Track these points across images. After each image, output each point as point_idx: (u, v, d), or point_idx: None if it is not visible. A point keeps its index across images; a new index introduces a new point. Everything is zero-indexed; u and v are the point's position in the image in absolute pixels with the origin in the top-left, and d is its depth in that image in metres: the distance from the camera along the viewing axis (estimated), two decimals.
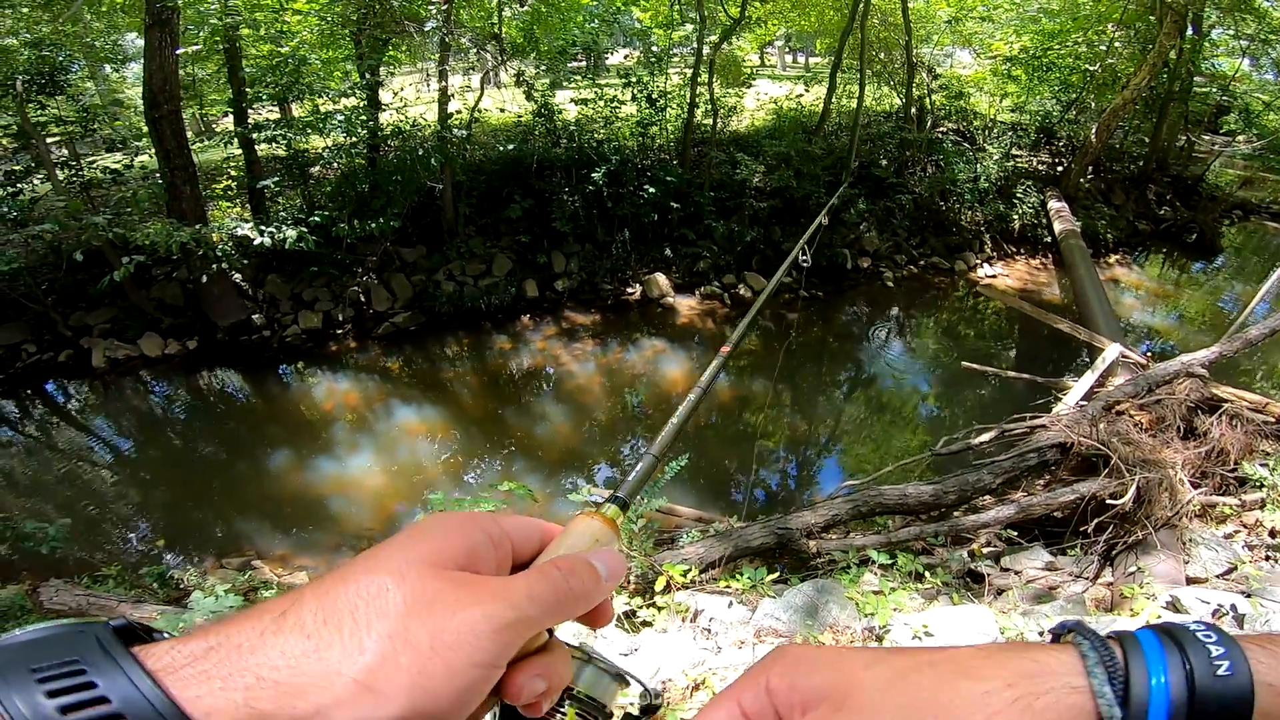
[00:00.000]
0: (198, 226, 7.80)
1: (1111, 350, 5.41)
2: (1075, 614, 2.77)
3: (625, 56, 18.82)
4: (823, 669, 0.38)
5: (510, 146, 10.15)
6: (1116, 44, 11.87)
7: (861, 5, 10.23)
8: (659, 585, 3.48)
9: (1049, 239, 11.34)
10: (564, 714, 0.46)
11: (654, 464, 0.53)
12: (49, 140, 9.38)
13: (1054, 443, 3.67)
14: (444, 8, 8.60)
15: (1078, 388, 5.02)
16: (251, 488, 6.66)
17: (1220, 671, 0.34)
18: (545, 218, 9.90)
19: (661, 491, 4.32)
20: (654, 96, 10.58)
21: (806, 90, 13.17)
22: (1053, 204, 11.31)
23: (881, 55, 12.55)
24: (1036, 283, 10.89)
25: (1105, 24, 11.60)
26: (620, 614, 3.36)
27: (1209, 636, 0.36)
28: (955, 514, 3.80)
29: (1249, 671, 0.34)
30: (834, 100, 11.95)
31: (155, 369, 8.68)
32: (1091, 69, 12.19)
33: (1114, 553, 3.23)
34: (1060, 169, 12.60)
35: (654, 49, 11.55)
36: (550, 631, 0.42)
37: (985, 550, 3.47)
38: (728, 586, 3.53)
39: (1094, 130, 11.51)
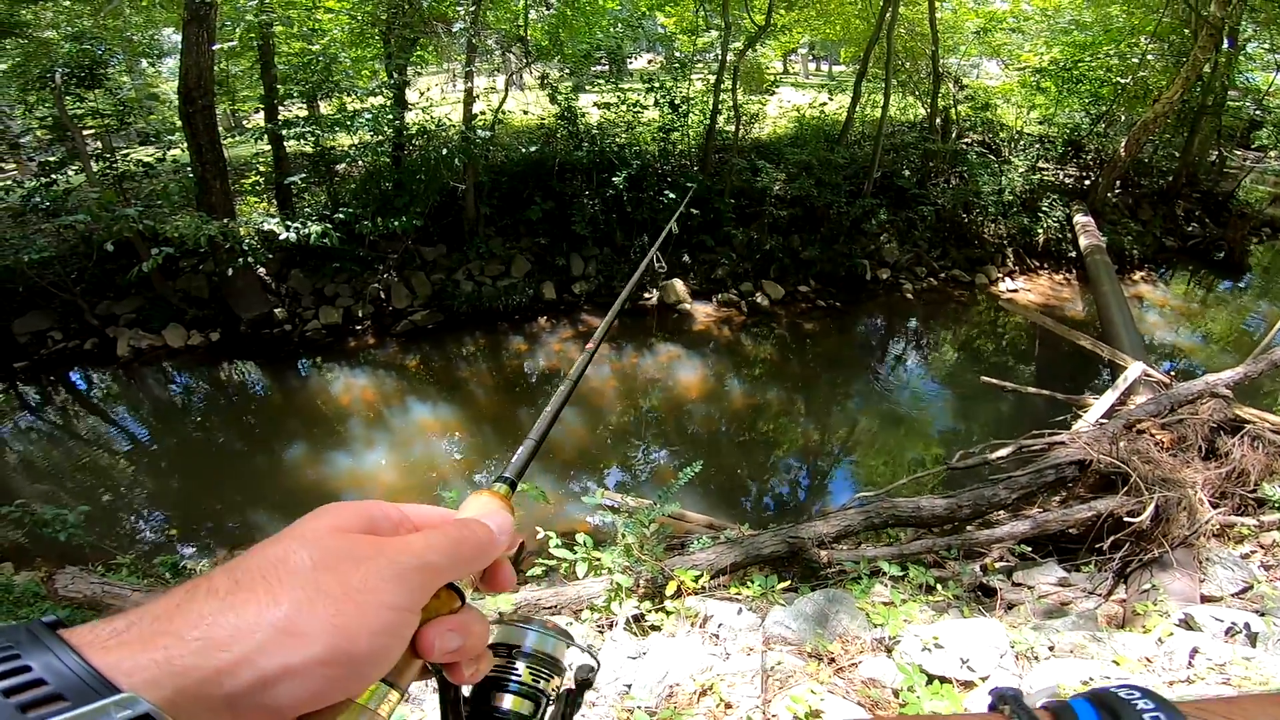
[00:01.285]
0: (225, 220, 7.94)
1: (1134, 369, 5.32)
2: (1088, 629, 2.73)
3: (649, 61, 18.89)
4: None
5: (532, 149, 10.23)
6: (1149, 57, 11.71)
7: (889, 14, 10.19)
8: (669, 590, 3.48)
9: (1073, 254, 11.18)
10: (519, 673, 0.49)
11: (534, 447, 0.59)
12: (85, 133, 9.61)
13: (1073, 459, 3.62)
14: (472, 9, 8.70)
15: (1098, 405, 4.94)
16: (267, 480, 6.74)
17: None
18: (565, 220, 9.95)
19: (674, 497, 4.32)
20: (676, 102, 10.61)
21: (830, 99, 13.13)
22: (1078, 218, 11.16)
23: (907, 65, 12.49)
24: (1059, 298, 10.75)
25: (1138, 36, 11.45)
26: (629, 618, 3.36)
27: (1147, 706, 0.33)
28: (969, 528, 3.76)
29: None
30: (858, 109, 11.90)
31: (178, 359, 8.83)
32: (1123, 81, 12.03)
33: (1128, 570, 3.18)
34: (1087, 183, 12.43)
35: (678, 54, 11.59)
36: (462, 599, 0.43)
37: (998, 565, 3.44)
38: (738, 593, 3.52)
39: (1123, 144, 11.35)
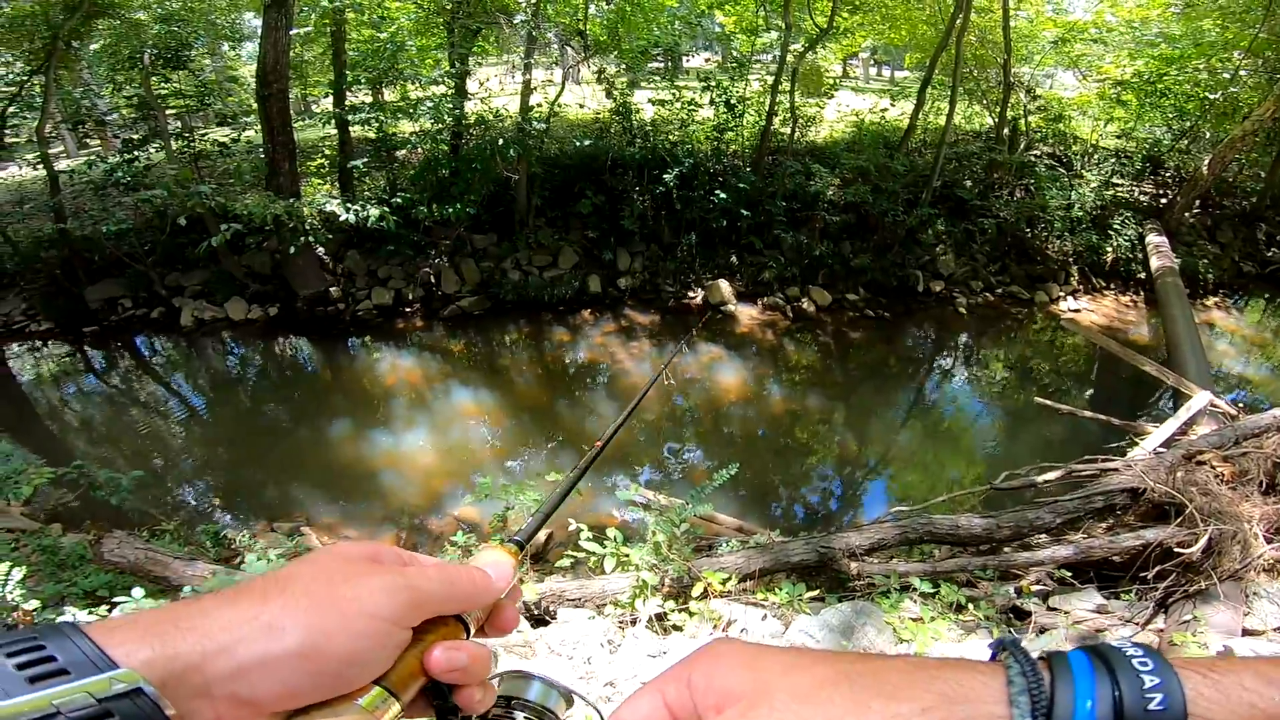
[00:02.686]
0: (291, 200, 8.24)
1: (1200, 398, 5.04)
2: None
3: (706, 60, 18.79)
4: (741, 669, 0.37)
5: (586, 143, 10.30)
6: (1242, 73, 11.06)
7: (959, 21, 9.89)
8: (696, 591, 3.46)
9: (1143, 275, 10.65)
10: None
11: (544, 519, 0.62)
12: (167, 113, 10.11)
13: (1125, 487, 3.45)
14: (533, 2, 8.82)
15: (1158, 433, 4.70)
16: (309, 454, 6.96)
17: (1153, 705, 0.31)
18: (614, 215, 10.00)
19: (707, 498, 4.29)
20: (732, 102, 10.52)
21: (892, 104, 12.82)
22: (1152, 238, 10.62)
23: (975, 73, 12.10)
24: (1124, 321, 10.26)
25: (1231, 51, 10.82)
26: (652, 615, 3.36)
27: (1144, 663, 0.33)
28: (1006, 549, 3.63)
29: (1183, 703, 0.31)
30: (921, 116, 11.58)
31: (237, 331, 9.22)
32: (1211, 97, 11.39)
33: (1171, 600, 3.02)
34: (1164, 201, 11.82)
35: (735, 54, 11.49)
36: (467, 632, 0.47)
37: (1034, 588, 3.31)
38: (764, 599, 3.48)
39: (1207, 162, 10.75)
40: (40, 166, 9.20)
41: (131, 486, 5.03)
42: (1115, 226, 10.96)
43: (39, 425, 7.74)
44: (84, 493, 5.29)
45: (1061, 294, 10.70)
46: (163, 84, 9.88)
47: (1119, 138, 12.70)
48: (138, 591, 2.83)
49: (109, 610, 2.84)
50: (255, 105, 9.00)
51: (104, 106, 11.05)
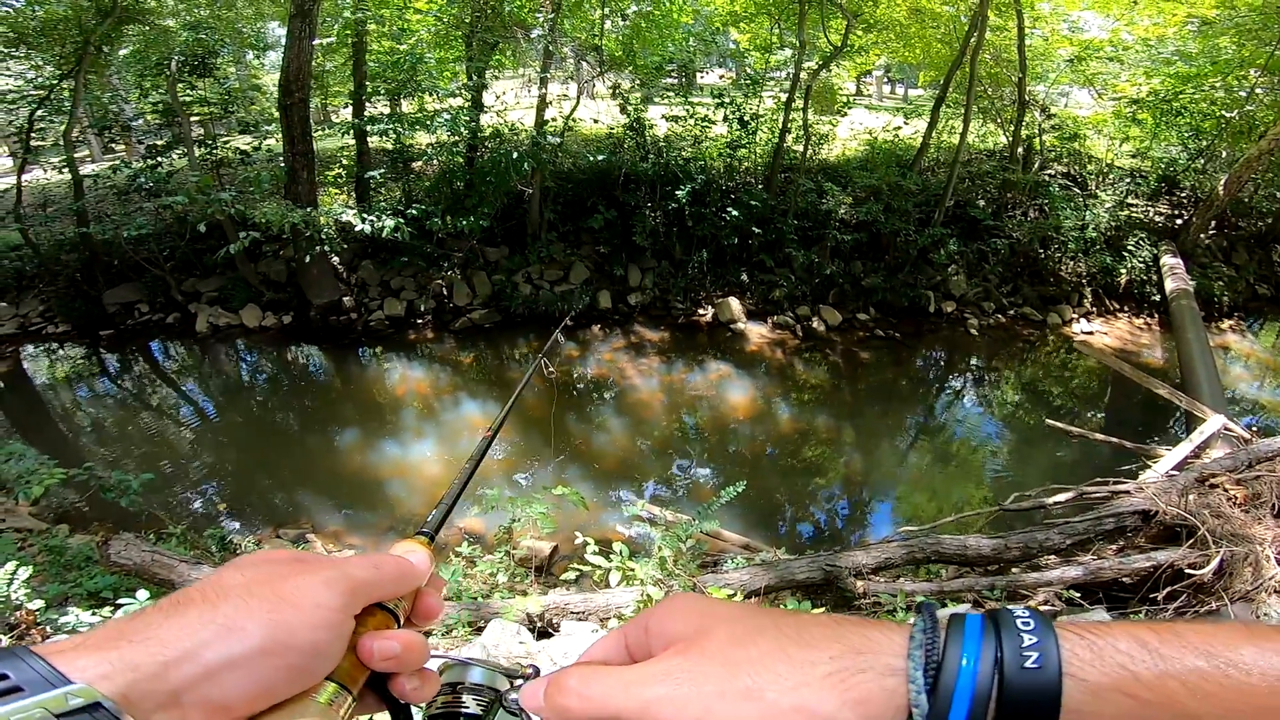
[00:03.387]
0: (308, 209, 8.34)
1: (1213, 421, 4.97)
2: None
3: (720, 76, 18.92)
4: (691, 616, 0.41)
5: (600, 157, 10.38)
6: (1258, 91, 10.99)
7: (974, 39, 9.92)
8: None
9: (1157, 297, 10.55)
10: (466, 705, 0.54)
11: (447, 511, 0.64)
12: (191, 119, 10.31)
13: (1136, 509, 3.40)
14: (550, 17, 8.95)
15: (1170, 456, 4.64)
16: (317, 462, 6.99)
17: (1028, 664, 0.33)
18: (626, 231, 10.05)
19: (713, 515, 4.28)
20: (745, 119, 10.58)
21: (905, 123, 12.84)
22: (1166, 259, 10.53)
23: (990, 91, 12.11)
24: (1138, 343, 10.16)
25: (1248, 69, 10.77)
26: None
27: (1026, 624, 0.36)
28: (1015, 570, 3.59)
29: (1058, 664, 0.34)
30: (934, 135, 11.60)
31: (251, 338, 9.32)
32: (1228, 116, 11.32)
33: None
34: (1179, 222, 11.73)
35: (749, 71, 11.57)
36: (397, 622, 0.48)
37: (1042, 608, 3.26)
38: None
39: (1223, 182, 10.67)
40: (66, 170, 9.38)
41: (140, 489, 5.04)
42: (1130, 248, 10.88)
43: (51, 426, 7.83)
44: (93, 494, 5.31)
45: (1075, 316, 10.62)
46: (188, 91, 10.08)
47: (1134, 157, 12.65)
48: (142, 594, 2.85)
49: (113, 611, 2.86)
50: (277, 114, 9.15)
51: (130, 112, 11.28)
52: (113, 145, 13.06)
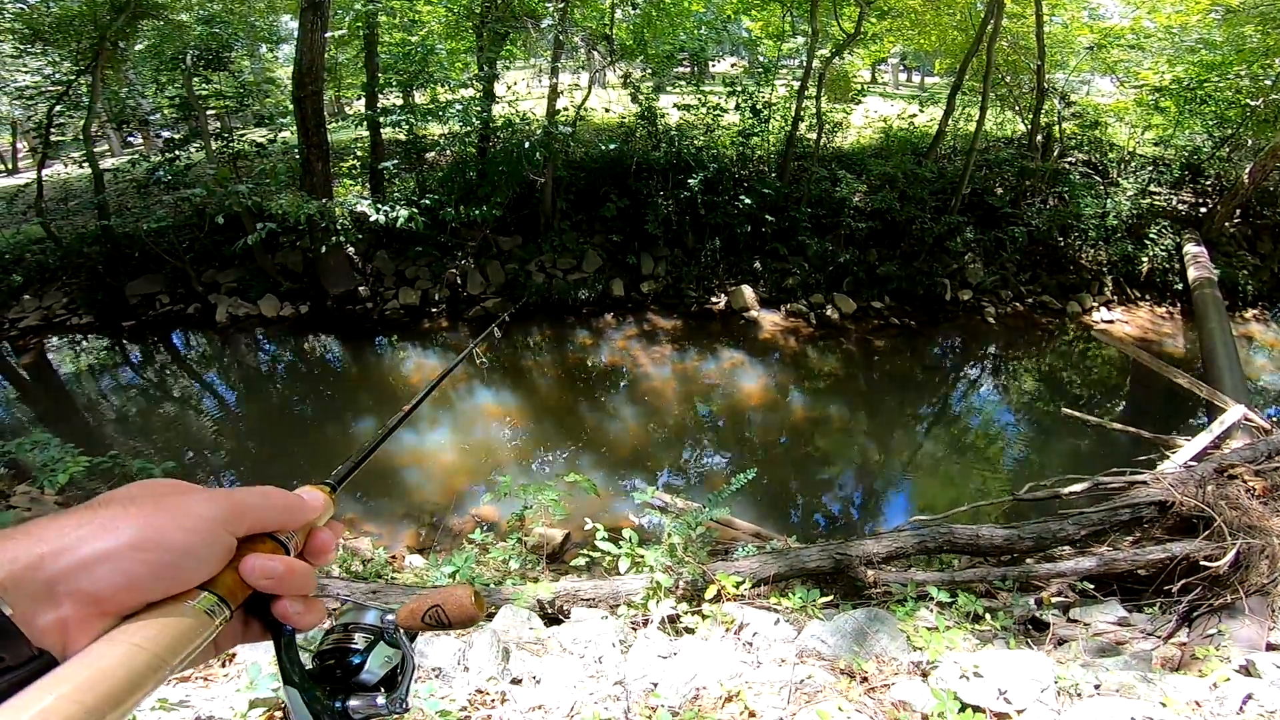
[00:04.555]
0: (324, 201, 8.41)
1: (1234, 411, 4.89)
2: (1140, 670, 2.55)
3: (732, 65, 18.75)
4: None
5: (611, 146, 10.35)
6: None
7: (990, 26, 9.75)
8: (709, 593, 3.46)
9: (1180, 286, 10.37)
10: (356, 641, 0.57)
11: (355, 466, 0.68)
12: (208, 113, 10.41)
13: (1153, 500, 3.36)
14: (560, 6, 8.92)
15: (1189, 447, 4.57)
16: (334, 450, 7.07)
17: None
18: (638, 219, 10.03)
19: (724, 503, 4.29)
20: (758, 107, 10.50)
21: (921, 110, 12.67)
22: (1189, 248, 10.34)
23: (1008, 79, 11.91)
24: (1159, 333, 10.00)
25: (1273, 58, 10.50)
26: (664, 617, 3.36)
27: None
28: (1028, 560, 3.56)
29: None
30: (950, 123, 11.43)
31: (269, 328, 9.43)
32: (1253, 104, 11.06)
33: (1195, 614, 2.94)
34: (1203, 210, 11.50)
35: (762, 59, 11.46)
36: (287, 552, 0.50)
37: (1054, 599, 3.24)
38: (777, 604, 3.46)
39: (1248, 170, 10.44)
40: (86, 164, 9.51)
41: (163, 477, 5.13)
42: (1152, 236, 10.69)
43: (76, 416, 7.99)
44: (117, 482, 5.40)
45: (1094, 304, 10.47)
46: (204, 85, 10.17)
47: (1157, 145, 12.40)
48: None
49: None
50: (291, 106, 9.22)
51: (147, 106, 11.40)
52: (131, 139, 13.24)
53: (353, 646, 0.57)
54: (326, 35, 8.47)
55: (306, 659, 0.54)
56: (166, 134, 10.46)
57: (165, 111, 10.83)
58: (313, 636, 0.56)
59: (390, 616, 0.59)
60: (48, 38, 9.03)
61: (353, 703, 0.54)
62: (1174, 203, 11.64)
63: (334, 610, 0.58)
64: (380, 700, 0.55)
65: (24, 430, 7.01)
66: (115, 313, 9.54)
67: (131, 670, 0.37)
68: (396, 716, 0.56)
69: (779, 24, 11.87)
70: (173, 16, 9.44)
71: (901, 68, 25.25)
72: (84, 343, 9.44)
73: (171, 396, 8.43)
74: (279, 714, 2.26)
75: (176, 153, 9.66)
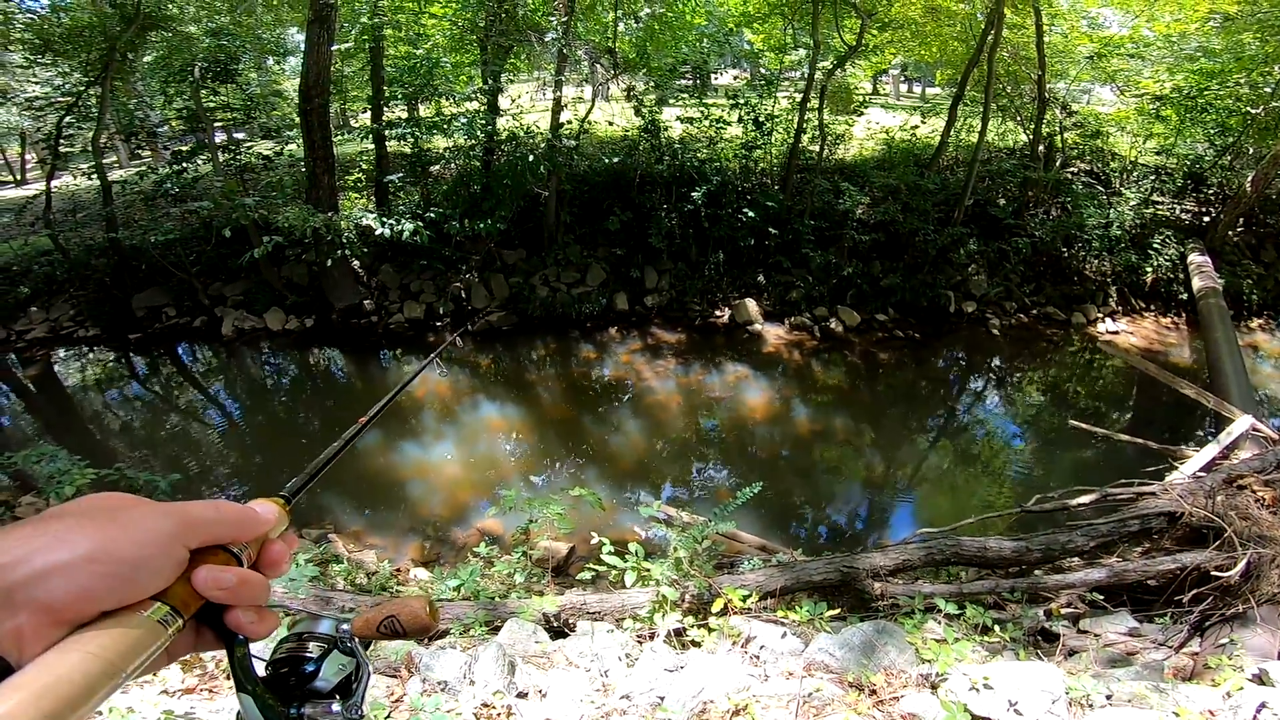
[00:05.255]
0: (330, 214, 8.46)
1: (1241, 422, 4.86)
2: (1152, 680, 2.53)
3: (734, 77, 18.87)
4: None
5: (615, 159, 10.40)
6: None
7: (990, 37, 9.82)
8: (716, 607, 3.44)
9: (1185, 296, 10.35)
10: (310, 650, 0.59)
11: (310, 479, 0.69)
12: (215, 125, 10.50)
13: (1162, 511, 3.34)
14: (564, 20, 9.01)
15: (1198, 458, 4.55)
16: (340, 463, 6.96)
17: None
18: (642, 233, 10.06)
19: (730, 516, 4.27)
20: (760, 119, 10.55)
21: (923, 122, 12.72)
22: (1194, 257, 10.33)
23: (1009, 89, 11.97)
24: (1165, 343, 9.96)
25: (1273, 65, 10.54)
26: (670, 631, 3.34)
27: None
28: (1037, 572, 3.54)
29: None
30: (952, 134, 11.48)
31: (275, 341, 9.46)
32: (1253, 112, 11.09)
33: (1207, 624, 2.92)
34: (1207, 219, 11.50)
35: (764, 71, 11.54)
36: (239, 563, 0.51)
37: (1064, 610, 3.22)
38: (784, 617, 3.44)
39: (1250, 178, 10.45)
40: (94, 176, 9.58)
41: (169, 489, 5.15)
42: (1155, 246, 10.69)
43: (81, 427, 8.01)
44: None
45: (1099, 315, 10.45)
46: (211, 97, 10.26)
47: (1159, 154, 12.42)
48: None
49: None
50: (298, 119, 9.29)
51: (155, 118, 11.51)
52: (139, 151, 13.34)
53: (307, 655, 0.58)
54: (333, 48, 8.55)
55: (260, 667, 0.55)
56: (175, 146, 10.54)
57: (173, 123, 10.93)
58: (268, 644, 0.57)
59: (345, 626, 0.60)
60: (58, 48, 9.12)
61: (307, 710, 0.55)
62: (1177, 212, 11.64)
63: (289, 618, 0.59)
64: (336, 708, 0.56)
65: (30, 442, 7.02)
66: (122, 325, 9.58)
67: (86, 676, 0.38)
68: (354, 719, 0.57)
69: (781, 36, 11.97)
70: (181, 28, 9.54)
71: (903, 79, 25.39)
72: (90, 355, 9.48)
73: (177, 409, 8.45)
74: None
75: (184, 165, 9.73)
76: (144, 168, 10.32)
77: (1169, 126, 11.79)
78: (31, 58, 9.36)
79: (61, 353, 9.46)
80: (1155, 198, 11.60)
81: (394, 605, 0.61)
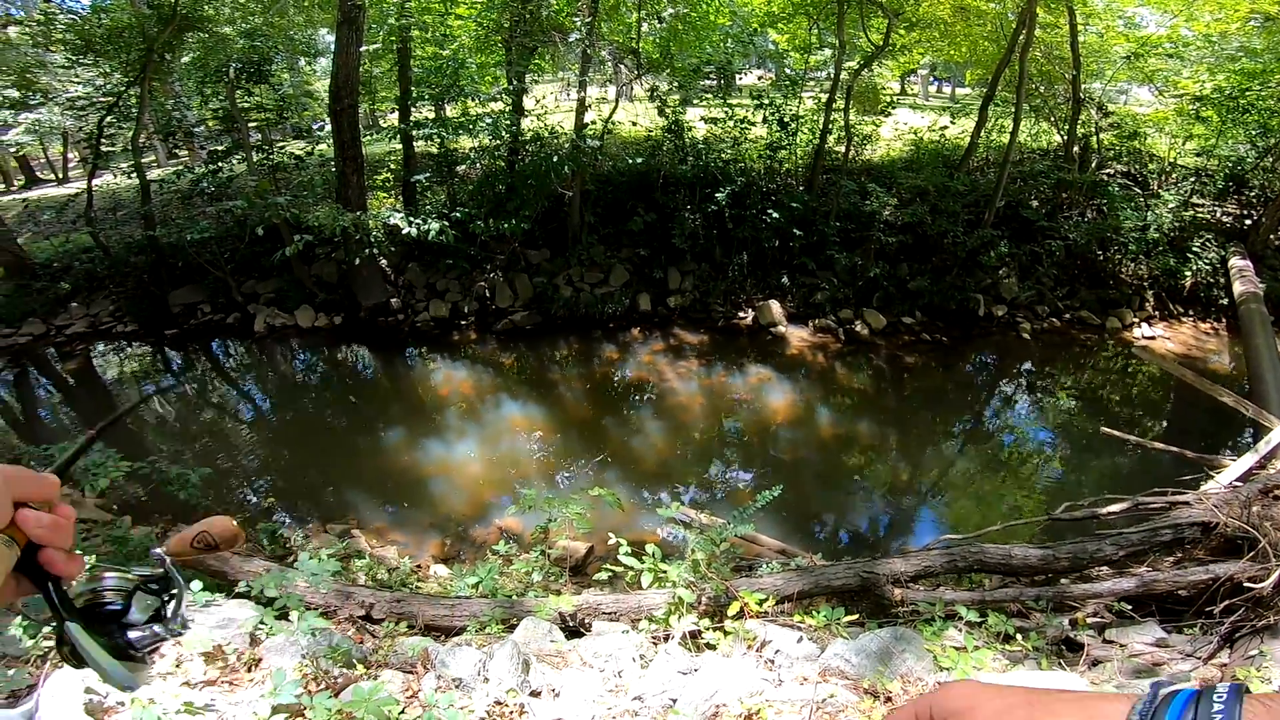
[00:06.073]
0: (358, 213, 8.59)
1: None
2: None
3: (759, 78, 18.76)
4: (964, 697, 0.51)
5: (638, 160, 10.41)
6: None
7: (1022, 37, 9.62)
8: (732, 610, 3.41)
9: (1224, 301, 10.03)
10: (112, 601, 0.64)
11: (81, 447, 0.73)
12: (249, 125, 10.73)
13: (1196, 521, 3.23)
14: (588, 20, 9.04)
15: (1235, 467, 4.39)
16: (364, 459, 7.16)
17: None
18: (666, 233, 10.05)
19: (749, 519, 4.24)
20: (785, 120, 10.47)
21: (952, 122, 12.52)
22: (1235, 261, 10.00)
23: (1042, 89, 11.72)
24: (1203, 349, 9.67)
25: None
26: (685, 633, 3.32)
27: (1219, 696, 0.43)
28: (1063, 581, 3.45)
29: None
30: (983, 134, 11.27)
31: (304, 338, 9.64)
32: None
33: (1237, 635, 2.83)
34: (1249, 223, 11.13)
35: (789, 72, 11.45)
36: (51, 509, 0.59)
37: (1090, 620, 3.13)
38: (801, 621, 3.40)
39: None
40: (134, 175, 9.84)
41: (199, 483, 5.25)
42: (1195, 249, 10.37)
43: (118, 421, 8.23)
44: (154, 487, 5.52)
45: (1135, 320, 10.17)
46: (246, 97, 10.50)
47: (1199, 155, 12.05)
48: (196, 584, 2.96)
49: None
50: (328, 120, 9.45)
51: (192, 118, 11.81)
52: (176, 150, 13.69)
53: (107, 603, 0.64)
54: (361, 49, 8.67)
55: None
56: (210, 146, 10.81)
57: (209, 123, 11.20)
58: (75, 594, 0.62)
59: (158, 550, 0.67)
60: (98, 49, 9.38)
61: (131, 635, 0.62)
62: (1218, 215, 11.29)
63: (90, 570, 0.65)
64: (157, 628, 0.64)
65: (68, 434, 7.25)
66: (158, 321, 9.84)
67: None
68: (177, 633, 0.65)
69: (805, 36, 11.87)
70: (216, 29, 9.77)
71: (931, 79, 25.02)
72: (128, 349, 9.75)
73: (209, 404, 8.65)
74: (300, 719, 2.29)
75: (219, 164, 9.97)
76: (181, 167, 10.59)
77: (1209, 128, 11.45)
78: (73, 58, 9.64)
79: (100, 347, 9.74)
80: (1195, 200, 11.26)
81: (205, 522, 0.68)
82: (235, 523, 0.68)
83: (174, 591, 0.66)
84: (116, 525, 5.03)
